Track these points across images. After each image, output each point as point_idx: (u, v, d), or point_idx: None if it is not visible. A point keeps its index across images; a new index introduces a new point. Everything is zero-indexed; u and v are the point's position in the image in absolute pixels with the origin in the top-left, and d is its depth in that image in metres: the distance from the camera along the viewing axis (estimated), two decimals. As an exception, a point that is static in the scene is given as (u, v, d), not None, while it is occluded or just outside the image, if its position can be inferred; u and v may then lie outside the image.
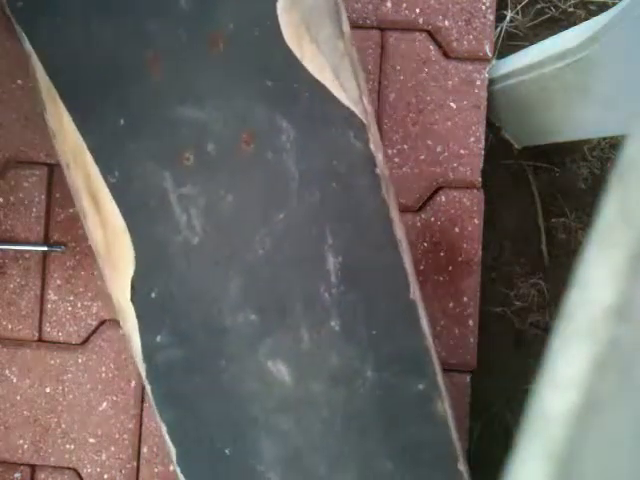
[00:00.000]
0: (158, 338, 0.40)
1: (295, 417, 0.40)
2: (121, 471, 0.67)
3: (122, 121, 0.40)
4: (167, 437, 0.41)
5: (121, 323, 0.41)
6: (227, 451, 0.40)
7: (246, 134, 0.39)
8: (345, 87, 0.38)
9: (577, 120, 0.61)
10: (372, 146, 0.38)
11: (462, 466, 0.40)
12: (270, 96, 0.38)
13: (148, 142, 0.40)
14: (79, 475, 0.68)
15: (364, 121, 0.38)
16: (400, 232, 0.39)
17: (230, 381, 0.40)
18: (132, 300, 0.41)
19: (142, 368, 0.41)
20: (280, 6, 0.38)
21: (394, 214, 0.38)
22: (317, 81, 0.38)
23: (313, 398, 0.39)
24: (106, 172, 0.40)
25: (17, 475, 0.68)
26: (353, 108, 0.38)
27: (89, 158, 0.40)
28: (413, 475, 0.39)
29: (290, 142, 0.39)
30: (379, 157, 0.38)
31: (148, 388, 0.41)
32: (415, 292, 0.39)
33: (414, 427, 0.39)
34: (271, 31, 0.38)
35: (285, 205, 0.39)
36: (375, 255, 0.39)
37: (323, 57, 0.38)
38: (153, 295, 0.40)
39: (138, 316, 0.41)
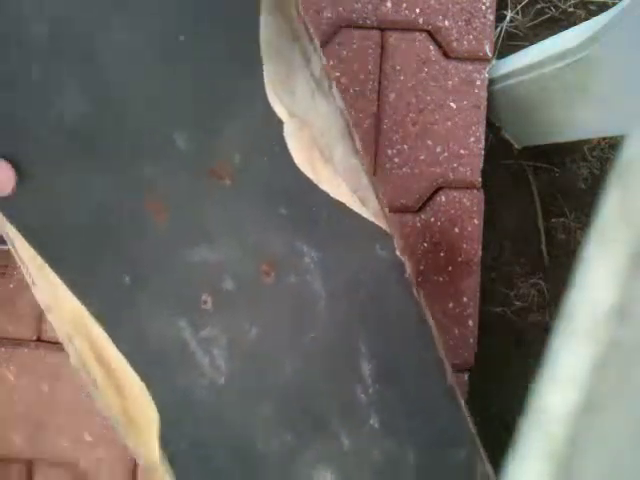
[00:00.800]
0: None
1: None
2: (119, 468, 0.67)
3: (127, 279, 0.36)
4: None
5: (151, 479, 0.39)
6: None
7: (265, 265, 0.37)
8: (365, 202, 0.37)
9: (577, 120, 0.61)
10: (398, 253, 0.38)
11: None
12: (287, 224, 0.37)
13: (160, 296, 0.37)
14: (76, 472, 0.68)
15: (388, 231, 0.38)
16: (433, 327, 0.39)
17: None
18: (162, 458, 0.38)
19: None
20: (287, 131, 0.36)
21: (426, 312, 0.39)
22: (336, 201, 0.37)
23: None
24: (117, 338, 0.37)
25: (14, 472, 0.68)
26: (375, 221, 0.37)
27: (95, 327, 0.37)
28: None
29: (314, 264, 0.37)
30: (406, 261, 0.38)
31: None
32: (451, 378, 0.39)
33: None
34: (281, 157, 0.36)
35: (314, 325, 0.38)
36: (410, 354, 0.39)
37: (339, 177, 0.37)
38: (183, 446, 0.38)
39: (171, 473, 0.39)
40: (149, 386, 0.38)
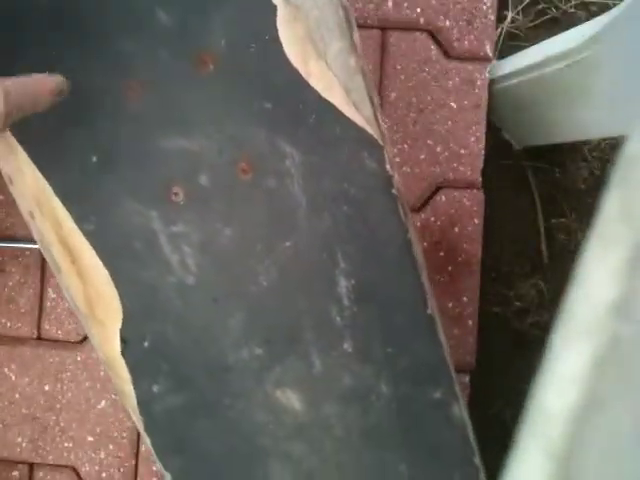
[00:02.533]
0: (155, 388, 0.38)
1: (308, 441, 0.38)
2: (120, 469, 0.67)
3: (94, 159, 0.35)
4: None
5: (112, 378, 0.38)
6: None
7: (244, 162, 0.35)
8: (358, 106, 0.34)
9: (577, 120, 0.61)
10: (388, 166, 0.36)
11: (478, 460, 0.40)
12: (270, 119, 0.35)
13: (128, 180, 0.35)
14: (77, 473, 0.68)
15: (379, 141, 0.35)
16: (418, 252, 0.37)
17: (237, 418, 0.38)
18: (123, 354, 0.37)
19: (140, 422, 0.38)
20: (281, 19, 0.33)
21: (411, 234, 0.36)
22: (325, 100, 0.34)
23: (325, 420, 0.38)
24: (80, 219, 0.36)
25: (15, 473, 0.68)
26: (367, 128, 0.35)
27: (58, 204, 0.35)
28: (431, 476, 0.39)
29: (295, 167, 0.35)
30: (395, 177, 0.36)
31: (148, 441, 0.38)
32: (433, 307, 0.37)
33: (431, 432, 0.38)
34: (271, 47, 0.34)
35: (292, 233, 0.36)
36: (391, 276, 0.37)
37: (333, 74, 0.34)
38: (146, 344, 0.37)
39: (131, 369, 0.37)
40: (113, 275, 0.36)
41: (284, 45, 0.34)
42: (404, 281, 0.37)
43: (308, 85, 0.34)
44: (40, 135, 0.35)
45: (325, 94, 0.34)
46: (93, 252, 0.36)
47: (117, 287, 0.37)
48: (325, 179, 0.36)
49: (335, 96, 0.34)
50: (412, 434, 0.38)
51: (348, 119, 0.35)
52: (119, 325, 0.37)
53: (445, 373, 0.38)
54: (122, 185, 0.35)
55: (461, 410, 0.38)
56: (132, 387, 0.38)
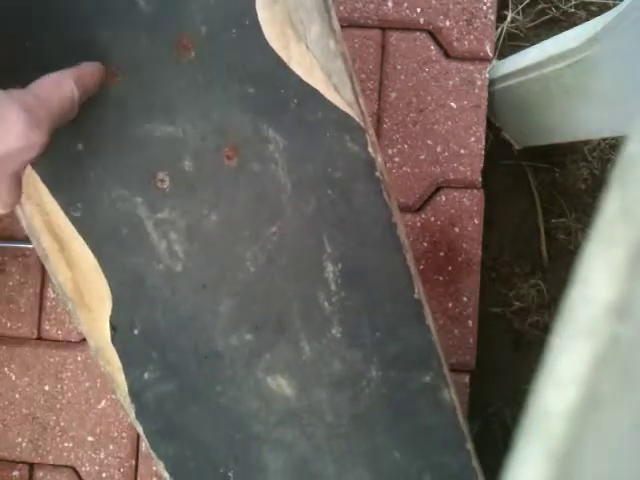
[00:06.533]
0: (146, 375, 0.38)
1: (299, 427, 0.39)
2: (120, 469, 0.67)
3: (80, 146, 0.35)
4: (166, 473, 0.39)
5: (102, 366, 0.38)
6: (230, 473, 0.39)
7: (228, 147, 0.35)
8: (339, 89, 0.35)
9: (577, 121, 0.61)
10: (370, 149, 0.35)
11: (469, 445, 0.40)
12: (253, 104, 0.35)
13: (113, 166, 0.35)
14: (77, 473, 0.68)
15: (361, 124, 0.35)
16: (402, 234, 0.37)
17: (228, 404, 0.38)
18: (113, 341, 0.37)
19: (131, 409, 0.39)
20: (260, 2, 0.33)
21: (396, 216, 0.36)
22: (307, 84, 0.34)
23: (316, 405, 0.38)
24: (67, 205, 0.36)
25: (15, 473, 0.68)
26: (348, 111, 0.35)
27: (45, 191, 0.35)
28: (423, 460, 0.39)
29: (279, 152, 0.35)
30: (378, 160, 0.36)
31: (140, 428, 0.39)
32: (420, 291, 0.37)
33: (421, 416, 0.39)
34: (251, 31, 0.34)
35: (278, 218, 0.36)
36: (377, 259, 0.37)
37: (313, 58, 0.34)
38: (136, 331, 0.37)
39: (121, 356, 0.38)
40: (101, 262, 0.36)
41: (264, 29, 0.34)
42: (390, 264, 0.37)
43: (289, 69, 0.34)
44: None
45: (306, 78, 0.34)
46: (81, 240, 0.36)
47: (105, 274, 0.37)
48: (309, 163, 0.36)
49: (316, 80, 0.34)
50: (403, 419, 0.39)
51: (330, 102, 0.35)
52: (109, 312, 0.37)
53: (434, 357, 0.38)
54: (107, 171, 0.36)
55: (451, 395, 0.39)
56: (123, 374, 0.38)
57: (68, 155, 0.35)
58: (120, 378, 0.38)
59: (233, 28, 0.34)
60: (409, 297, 0.37)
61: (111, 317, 0.37)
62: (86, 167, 0.35)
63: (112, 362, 0.38)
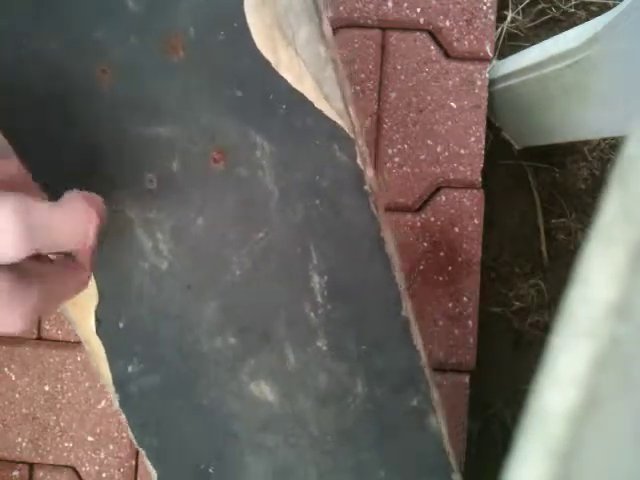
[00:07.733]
0: (130, 368, 0.39)
1: (282, 434, 0.39)
2: (120, 469, 0.67)
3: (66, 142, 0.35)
4: (148, 462, 0.40)
5: (89, 357, 0.39)
6: (211, 469, 0.40)
7: (216, 151, 0.35)
8: (328, 98, 0.34)
9: (577, 121, 0.61)
10: (359, 161, 0.35)
11: (456, 476, 0.40)
12: (241, 109, 0.35)
13: (102, 167, 0.36)
14: (77, 473, 0.68)
15: (350, 135, 0.34)
16: (391, 248, 0.36)
17: (210, 404, 0.39)
18: (98, 332, 0.38)
19: (115, 398, 0.39)
20: (248, 5, 0.33)
21: (384, 230, 0.36)
22: (295, 91, 0.34)
23: (301, 415, 0.39)
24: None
25: (15, 473, 0.68)
26: (337, 120, 0.34)
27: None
28: None
29: (266, 158, 0.35)
30: (368, 173, 0.35)
31: (123, 417, 0.40)
32: (407, 309, 0.37)
33: (407, 439, 0.39)
34: (239, 34, 0.33)
35: (265, 224, 0.36)
36: (365, 273, 0.36)
37: (302, 64, 0.34)
38: (121, 325, 0.38)
39: (106, 348, 0.38)
40: None
41: (252, 32, 0.33)
42: (377, 280, 0.37)
43: (278, 74, 0.34)
44: (17, 122, 0.35)
45: (295, 84, 0.34)
46: None
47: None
48: (297, 171, 0.35)
49: (305, 86, 0.34)
50: (388, 439, 0.38)
51: (319, 110, 0.34)
52: (95, 305, 0.38)
53: (421, 381, 0.38)
54: (96, 172, 0.36)
55: (438, 420, 0.38)
56: (108, 366, 0.39)
57: (57, 155, 0.35)
58: (105, 369, 0.39)
59: (221, 30, 0.34)
60: (396, 314, 0.37)
61: (96, 310, 0.38)
62: (74, 164, 0.35)
63: (97, 353, 0.39)
